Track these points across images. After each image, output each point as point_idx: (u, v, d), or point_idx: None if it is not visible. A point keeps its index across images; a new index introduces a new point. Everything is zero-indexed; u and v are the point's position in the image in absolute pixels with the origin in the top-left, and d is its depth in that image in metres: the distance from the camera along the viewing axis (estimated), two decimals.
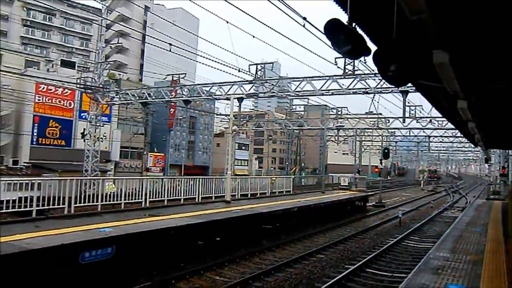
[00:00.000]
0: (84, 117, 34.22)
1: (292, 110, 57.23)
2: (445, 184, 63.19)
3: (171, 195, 18.27)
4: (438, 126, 27.75)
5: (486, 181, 55.68)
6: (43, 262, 8.07)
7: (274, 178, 27.73)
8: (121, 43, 60.47)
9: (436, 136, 36.92)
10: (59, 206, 13.48)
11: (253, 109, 65.37)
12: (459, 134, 28.86)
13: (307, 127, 36.56)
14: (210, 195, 20.23)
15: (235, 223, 14.00)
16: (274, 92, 21.20)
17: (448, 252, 10.96)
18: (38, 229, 9.94)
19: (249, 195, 22.90)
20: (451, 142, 42.62)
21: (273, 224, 16.05)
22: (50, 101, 38.53)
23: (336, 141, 43.38)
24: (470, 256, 10.34)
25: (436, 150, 60.41)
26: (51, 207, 13.32)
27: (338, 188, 34.43)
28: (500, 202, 27.32)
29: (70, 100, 39.63)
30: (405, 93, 18.43)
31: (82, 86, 27.40)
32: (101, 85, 26.88)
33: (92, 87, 26.58)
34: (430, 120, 27.32)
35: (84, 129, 29.57)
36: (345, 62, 18.01)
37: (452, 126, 18.43)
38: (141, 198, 16.62)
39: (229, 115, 21.01)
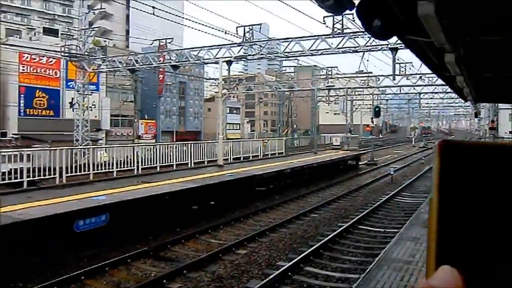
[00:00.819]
0: (71, 86, 33.50)
1: (282, 72, 56.58)
2: (436, 140, 63.68)
3: (164, 162, 18.30)
4: (428, 82, 27.70)
5: (476, 135, 56.36)
6: (37, 232, 8.17)
7: (266, 141, 27.76)
8: (105, 8, 58.51)
9: (426, 93, 36.85)
10: (50, 177, 13.48)
11: (243, 72, 64.55)
12: (449, 90, 28.78)
13: (297, 88, 36.30)
14: (203, 160, 20.28)
15: (228, 187, 14.14)
16: (263, 54, 20.84)
17: None
18: (30, 200, 10.00)
19: (241, 158, 22.99)
20: (441, 98, 42.61)
21: (267, 186, 16.23)
22: (35, 70, 37.59)
23: (327, 101, 43.11)
24: None
25: (427, 106, 60.56)
26: (42, 177, 13.31)
27: (330, 148, 34.62)
28: None
29: (56, 69, 38.70)
30: (394, 50, 18.22)
31: (67, 54, 26.81)
32: (86, 53, 26.28)
33: (78, 55, 26.00)
34: (420, 77, 27.30)
35: (72, 98, 29.13)
36: (333, 21, 17.67)
37: (443, 82, 18.41)
38: (134, 166, 16.63)
39: (218, 79, 20.73)
